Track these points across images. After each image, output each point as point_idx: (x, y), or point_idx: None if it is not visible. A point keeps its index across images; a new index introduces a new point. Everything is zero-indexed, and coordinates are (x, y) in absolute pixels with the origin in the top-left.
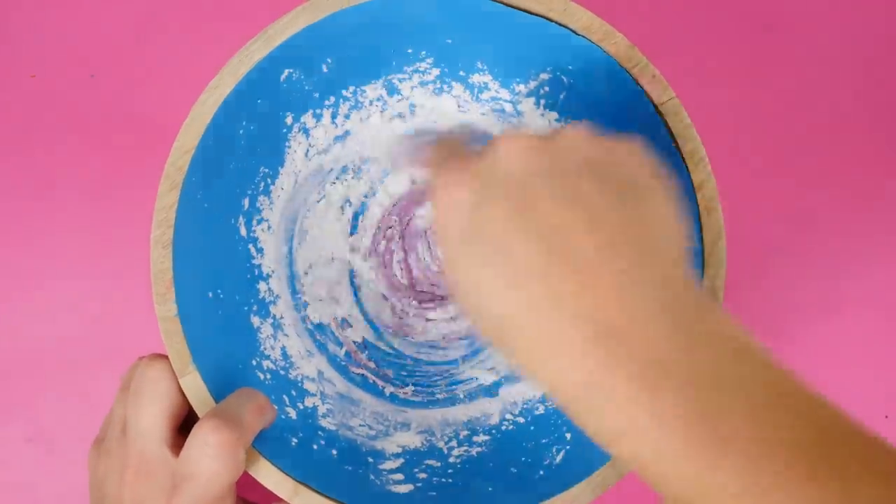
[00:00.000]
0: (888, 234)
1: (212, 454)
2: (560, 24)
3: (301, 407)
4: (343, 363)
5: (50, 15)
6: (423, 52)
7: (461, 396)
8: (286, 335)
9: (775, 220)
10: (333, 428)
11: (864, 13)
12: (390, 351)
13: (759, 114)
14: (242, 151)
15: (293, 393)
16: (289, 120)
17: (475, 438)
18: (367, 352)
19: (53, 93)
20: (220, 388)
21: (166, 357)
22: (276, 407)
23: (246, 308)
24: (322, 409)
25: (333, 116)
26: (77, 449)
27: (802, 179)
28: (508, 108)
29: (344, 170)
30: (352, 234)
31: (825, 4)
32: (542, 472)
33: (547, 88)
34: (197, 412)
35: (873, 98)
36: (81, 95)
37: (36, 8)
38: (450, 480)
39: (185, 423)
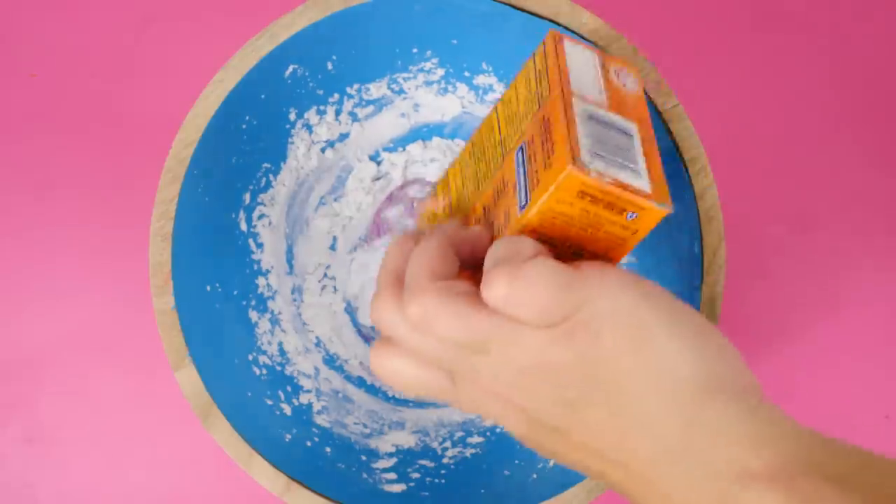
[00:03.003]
0: (888, 235)
1: None
2: (566, 28)
3: (296, 403)
4: (339, 361)
5: (50, 15)
6: (429, 52)
7: None
8: (283, 331)
9: (775, 220)
10: (328, 425)
11: (863, 13)
12: None
13: (759, 114)
14: (245, 146)
15: (288, 389)
16: (292, 115)
17: (469, 440)
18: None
19: (53, 93)
20: (216, 383)
21: None
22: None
23: (244, 303)
24: (317, 406)
25: (337, 113)
26: (77, 449)
27: (802, 180)
28: None
29: (346, 167)
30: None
31: (825, 4)
32: (535, 476)
33: None
34: (192, 406)
35: (873, 98)
36: (81, 95)
37: (36, 8)
38: (443, 481)
39: None
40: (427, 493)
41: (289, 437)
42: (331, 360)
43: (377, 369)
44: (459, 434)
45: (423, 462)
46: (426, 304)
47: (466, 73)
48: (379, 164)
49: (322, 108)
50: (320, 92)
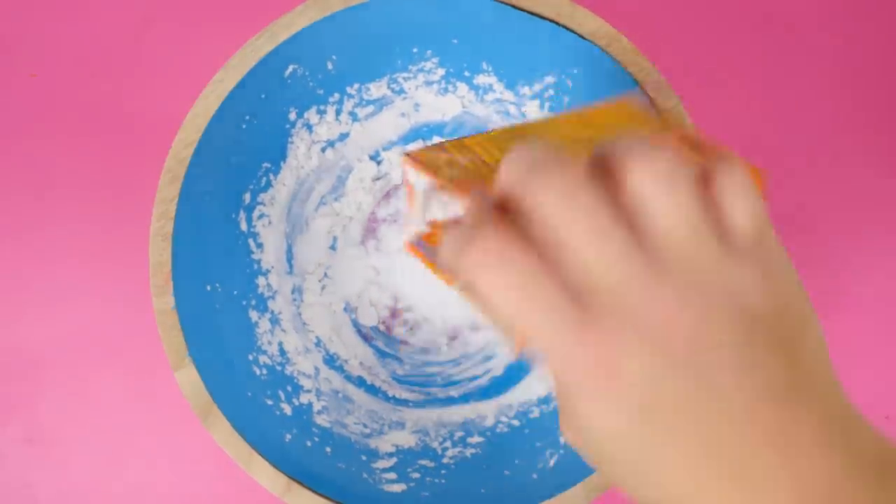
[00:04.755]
0: (888, 234)
1: None
2: (567, 28)
3: (296, 403)
4: (339, 361)
5: (50, 15)
6: (429, 52)
7: (457, 397)
8: (283, 331)
9: (775, 220)
10: (328, 425)
11: (864, 13)
12: (387, 350)
13: (760, 114)
14: (244, 146)
15: (288, 389)
16: (292, 115)
17: (469, 440)
18: (364, 349)
19: (53, 93)
20: (216, 383)
21: None
22: None
23: (244, 302)
24: (317, 406)
25: (337, 113)
26: (77, 449)
27: (802, 180)
28: (513, 109)
29: (346, 167)
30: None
31: (826, 4)
32: (535, 476)
33: (551, 92)
34: (192, 406)
35: (874, 98)
36: (81, 95)
37: (36, 8)
38: (443, 481)
39: None
40: (427, 493)
41: (289, 437)
42: (331, 360)
43: (472, 263)
44: (459, 434)
45: (423, 462)
46: (670, 161)
47: (466, 73)
48: (379, 163)
49: (322, 107)
50: (320, 92)
